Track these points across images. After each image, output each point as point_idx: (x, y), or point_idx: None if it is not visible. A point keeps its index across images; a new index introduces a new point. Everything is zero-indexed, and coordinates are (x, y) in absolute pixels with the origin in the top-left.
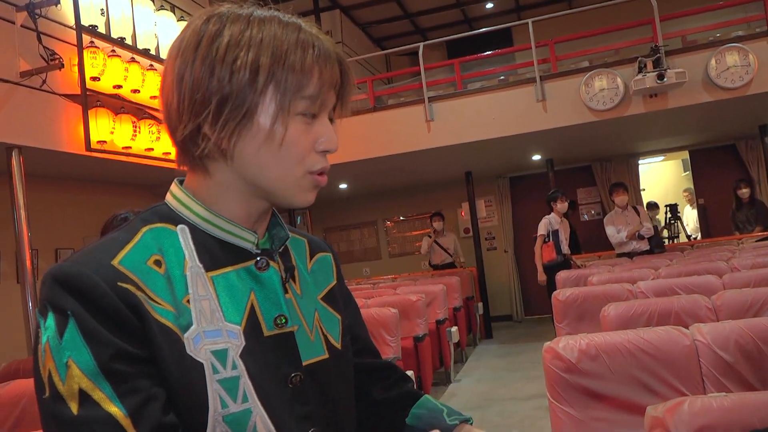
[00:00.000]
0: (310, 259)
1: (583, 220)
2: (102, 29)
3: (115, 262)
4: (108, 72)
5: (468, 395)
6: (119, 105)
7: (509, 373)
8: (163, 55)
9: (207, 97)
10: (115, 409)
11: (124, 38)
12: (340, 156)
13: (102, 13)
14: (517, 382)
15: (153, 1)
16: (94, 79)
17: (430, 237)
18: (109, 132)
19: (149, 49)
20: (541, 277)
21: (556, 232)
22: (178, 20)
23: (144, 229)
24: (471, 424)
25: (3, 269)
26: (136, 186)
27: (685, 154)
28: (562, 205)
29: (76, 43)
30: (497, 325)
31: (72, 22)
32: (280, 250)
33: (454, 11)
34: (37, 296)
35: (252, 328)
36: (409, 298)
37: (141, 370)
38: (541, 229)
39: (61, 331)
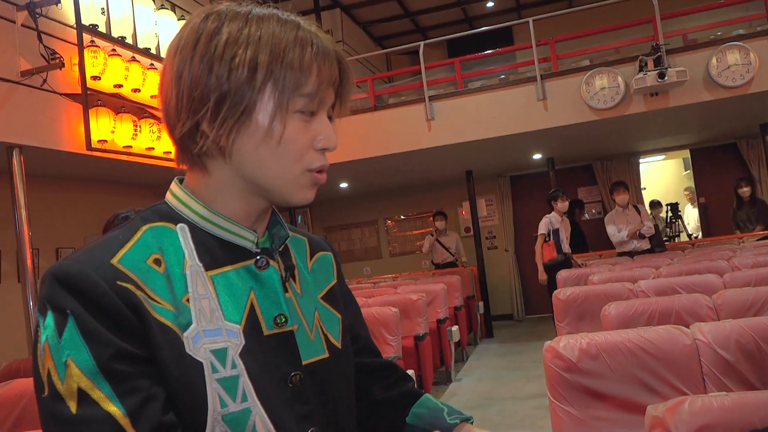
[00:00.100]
0: (311, 258)
1: (583, 219)
2: (102, 28)
3: (114, 260)
4: (108, 71)
5: (468, 394)
6: (120, 104)
7: (510, 373)
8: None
9: (205, 95)
10: (114, 409)
11: (125, 37)
12: (341, 155)
13: (102, 13)
14: (518, 382)
15: (153, 1)
16: (94, 78)
17: (433, 235)
18: (110, 131)
19: (150, 49)
20: (542, 276)
21: (556, 231)
22: (178, 19)
23: (144, 228)
24: (471, 423)
25: (4, 268)
26: (137, 185)
27: (686, 153)
28: (562, 204)
29: (76, 42)
30: (498, 324)
31: (72, 21)
32: (280, 249)
33: (455, 10)
34: (37, 295)
35: (252, 327)
36: (409, 297)
37: (140, 369)
38: (542, 228)
39: (60, 330)
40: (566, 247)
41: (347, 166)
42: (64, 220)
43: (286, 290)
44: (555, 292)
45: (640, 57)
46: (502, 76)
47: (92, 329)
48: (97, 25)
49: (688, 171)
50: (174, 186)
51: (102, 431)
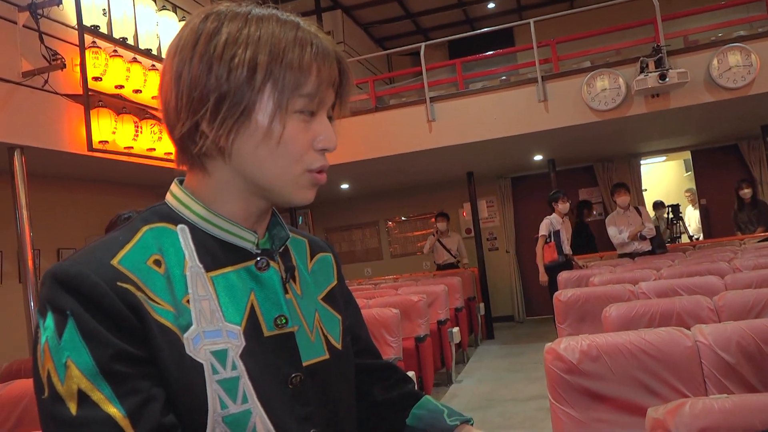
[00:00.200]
0: (311, 259)
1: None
2: (104, 29)
3: (114, 261)
4: (110, 72)
5: (469, 396)
6: (121, 105)
7: (510, 374)
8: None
9: (205, 95)
10: (114, 410)
11: (126, 38)
12: (342, 156)
13: (104, 14)
14: (519, 383)
15: (155, 2)
16: (96, 79)
17: (434, 236)
18: (111, 132)
19: (151, 50)
20: (543, 277)
21: (557, 233)
22: (179, 20)
23: (144, 229)
24: (472, 424)
25: (5, 269)
26: (138, 186)
27: (687, 155)
28: (563, 206)
29: (78, 43)
30: (499, 326)
31: (74, 22)
32: (281, 250)
33: (456, 11)
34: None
35: (252, 328)
36: (410, 298)
37: (140, 370)
38: (543, 229)
39: (60, 332)
40: (567, 249)
41: (348, 167)
42: (66, 221)
43: (286, 291)
44: (556, 293)
45: (641, 58)
46: (504, 78)
47: (92, 330)
48: (98, 26)
49: (689, 172)
50: (174, 187)
51: None
